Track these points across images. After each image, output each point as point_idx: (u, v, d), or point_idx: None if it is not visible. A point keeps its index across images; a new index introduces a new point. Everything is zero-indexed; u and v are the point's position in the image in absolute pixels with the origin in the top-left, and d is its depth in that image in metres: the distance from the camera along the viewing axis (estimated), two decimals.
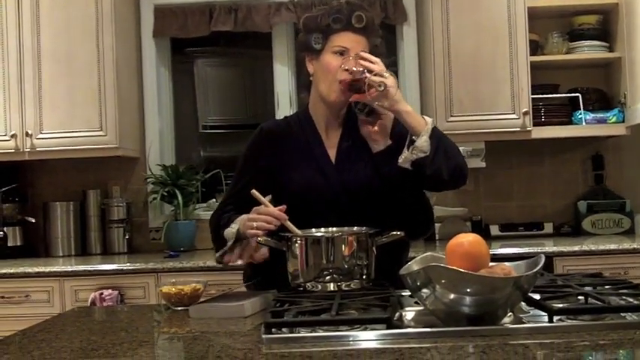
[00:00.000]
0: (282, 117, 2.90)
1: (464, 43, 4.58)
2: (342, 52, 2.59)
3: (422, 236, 2.76)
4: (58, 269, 4.31)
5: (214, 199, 5.34)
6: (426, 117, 2.52)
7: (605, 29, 4.85)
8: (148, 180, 5.03)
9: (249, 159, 2.71)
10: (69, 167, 5.09)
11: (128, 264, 4.36)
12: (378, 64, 2.49)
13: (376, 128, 2.56)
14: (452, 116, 4.56)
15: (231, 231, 2.52)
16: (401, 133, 2.53)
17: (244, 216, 2.47)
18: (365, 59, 2.50)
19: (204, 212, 5.14)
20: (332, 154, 2.65)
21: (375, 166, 2.57)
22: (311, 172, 2.60)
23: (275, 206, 2.40)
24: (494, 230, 4.88)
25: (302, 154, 2.61)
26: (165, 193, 4.91)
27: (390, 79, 2.45)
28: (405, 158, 2.48)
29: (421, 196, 2.66)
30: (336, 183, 2.59)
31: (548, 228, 4.89)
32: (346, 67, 2.53)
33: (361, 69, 2.49)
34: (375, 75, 2.45)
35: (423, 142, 2.45)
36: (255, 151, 2.70)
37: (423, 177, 2.49)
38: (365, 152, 2.60)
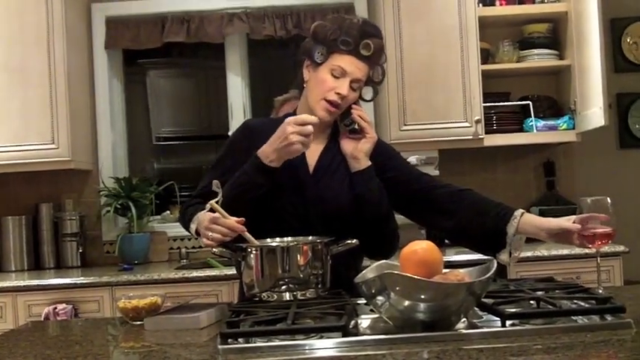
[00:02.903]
0: (266, 117, 2.86)
1: (416, 52, 4.61)
2: (340, 75, 2.55)
3: (386, 257, 2.74)
4: (11, 284, 4.26)
5: (168, 212, 5.32)
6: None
7: (555, 37, 4.92)
8: (101, 193, 4.99)
9: (229, 151, 2.66)
10: (21, 181, 5.03)
11: (82, 278, 4.32)
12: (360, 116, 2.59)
13: (359, 147, 2.58)
14: (405, 125, 4.59)
15: (191, 231, 2.54)
16: (379, 160, 2.60)
17: (201, 217, 2.45)
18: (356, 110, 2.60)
19: (159, 224, 5.12)
20: (311, 164, 2.62)
21: (351, 185, 2.57)
22: (287, 178, 2.55)
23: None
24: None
25: (282, 165, 2.58)
26: (119, 206, 4.88)
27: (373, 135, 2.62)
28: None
29: (391, 219, 2.66)
30: (310, 194, 2.57)
31: None
32: (339, 92, 2.53)
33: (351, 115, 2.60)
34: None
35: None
36: (236, 145, 2.65)
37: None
38: (343, 169, 2.60)
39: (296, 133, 2.38)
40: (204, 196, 2.54)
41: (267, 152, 2.45)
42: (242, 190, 2.47)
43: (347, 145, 2.60)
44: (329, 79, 2.55)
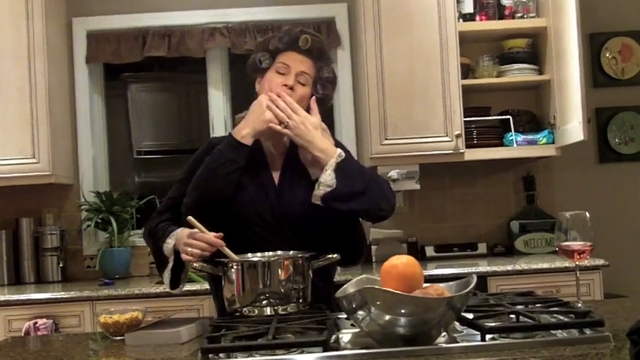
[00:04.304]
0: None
1: (397, 67, 4.63)
2: (285, 71, 2.64)
3: (353, 264, 2.77)
4: None
5: None
6: (338, 150, 2.55)
7: (535, 52, 4.95)
8: (82, 207, 4.98)
9: (193, 167, 2.67)
10: (1, 195, 4.99)
11: (62, 292, 4.29)
12: (286, 103, 2.56)
13: (312, 156, 2.57)
14: (386, 139, 4.60)
15: (167, 247, 2.54)
16: None
17: (180, 233, 2.48)
18: (280, 97, 2.57)
19: (140, 239, 5.10)
20: (276, 176, 2.66)
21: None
22: (254, 192, 2.60)
23: (212, 227, 2.41)
24: (430, 251, 4.91)
25: (247, 174, 2.60)
26: (100, 220, 4.86)
27: (295, 119, 2.53)
28: (314, 194, 2.50)
29: (355, 225, 2.67)
30: (277, 206, 2.60)
31: (482, 248, 4.95)
32: (285, 83, 2.60)
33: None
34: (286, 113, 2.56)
35: (326, 176, 2.49)
36: (200, 162, 2.65)
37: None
38: (306, 178, 2.61)
39: (271, 103, 2.54)
40: (171, 210, 2.65)
41: (240, 128, 2.57)
42: (215, 167, 2.54)
43: (304, 155, 2.61)
44: (275, 78, 2.64)
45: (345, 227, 2.62)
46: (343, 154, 2.55)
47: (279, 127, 2.55)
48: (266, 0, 5.19)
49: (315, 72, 2.69)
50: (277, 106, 2.56)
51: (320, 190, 2.48)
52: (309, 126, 2.54)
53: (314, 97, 2.66)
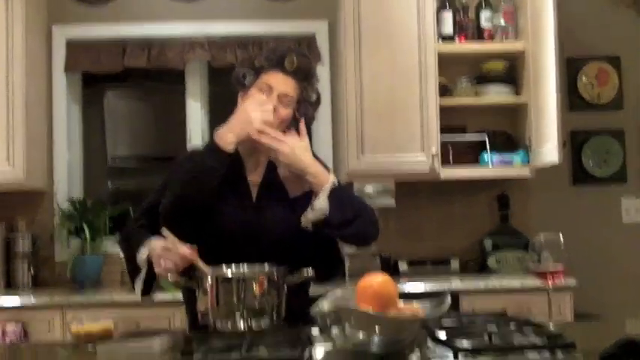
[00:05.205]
0: None
1: (376, 84, 4.65)
2: (267, 92, 2.59)
3: (329, 281, 2.76)
4: None
5: None
6: (331, 176, 2.55)
7: (512, 75, 4.99)
8: (56, 214, 4.95)
9: (172, 177, 2.64)
10: None
11: (32, 299, 4.27)
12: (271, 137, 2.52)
13: (290, 174, 2.57)
14: (363, 155, 4.61)
15: (142, 257, 2.52)
16: None
17: (154, 243, 2.47)
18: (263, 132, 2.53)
19: (112, 246, 5.08)
20: (254, 191, 2.65)
21: (293, 210, 2.56)
22: (231, 205, 2.58)
23: (187, 239, 2.40)
24: (403, 266, 4.91)
25: (225, 186, 2.57)
26: (73, 228, 4.83)
27: (284, 146, 2.50)
28: (305, 218, 2.50)
29: (334, 245, 2.66)
30: (255, 221, 2.59)
31: (455, 264, 4.94)
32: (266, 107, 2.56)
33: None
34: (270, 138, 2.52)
35: (320, 202, 2.48)
36: (178, 171, 2.62)
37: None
38: (285, 194, 2.61)
39: (256, 110, 2.51)
40: (146, 216, 2.63)
41: (223, 133, 2.52)
42: (196, 172, 2.51)
43: (282, 172, 2.61)
44: (256, 96, 2.60)
45: (325, 247, 2.62)
46: (336, 180, 2.55)
47: (268, 138, 2.52)
48: (247, 14, 5.20)
49: (299, 92, 2.64)
50: (267, 135, 2.52)
51: (312, 215, 2.48)
52: (298, 152, 2.51)
53: (302, 120, 2.63)
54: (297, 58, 2.63)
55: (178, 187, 2.53)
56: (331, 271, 2.69)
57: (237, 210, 2.59)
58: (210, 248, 2.47)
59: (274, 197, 2.63)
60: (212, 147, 2.53)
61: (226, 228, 2.56)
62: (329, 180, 2.52)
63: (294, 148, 2.51)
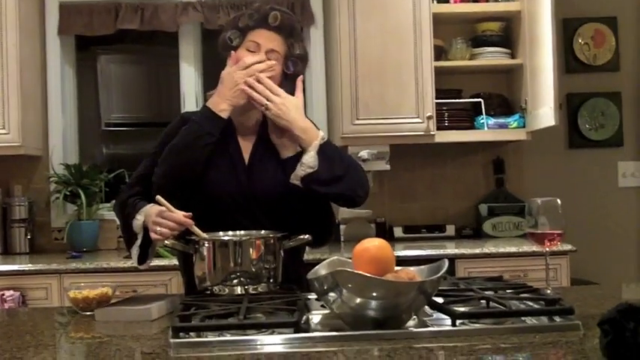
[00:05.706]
0: None
1: (370, 47, 4.62)
2: (255, 49, 2.61)
3: (322, 245, 2.76)
4: None
5: None
6: (320, 132, 2.56)
7: (508, 36, 4.97)
8: (51, 179, 4.94)
9: (166, 143, 2.64)
10: None
11: (30, 265, 4.27)
12: (265, 85, 2.53)
13: (280, 133, 2.58)
14: (357, 119, 4.60)
15: (137, 224, 2.52)
16: None
17: (149, 210, 2.47)
18: (256, 78, 2.54)
19: (108, 212, 5.07)
20: (246, 155, 2.65)
21: (284, 172, 2.57)
22: (223, 170, 2.60)
23: (181, 206, 2.40)
24: (398, 232, 4.92)
25: (217, 151, 2.59)
26: (69, 193, 4.82)
27: (275, 102, 2.51)
28: (294, 174, 2.51)
29: (325, 207, 2.66)
30: (246, 185, 2.60)
31: (450, 230, 4.96)
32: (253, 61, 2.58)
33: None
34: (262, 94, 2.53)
35: (309, 157, 2.50)
36: (172, 135, 2.63)
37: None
38: (276, 157, 2.61)
39: (244, 75, 2.53)
40: (141, 183, 2.64)
41: (217, 102, 2.56)
42: (191, 139, 2.54)
43: (274, 133, 2.61)
44: (245, 56, 2.61)
45: (316, 208, 2.62)
46: (326, 136, 2.55)
47: (260, 103, 2.53)
48: None
49: (286, 49, 2.66)
50: (255, 89, 2.53)
51: (301, 171, 2.49)
52: (289, 106, 2.52)
53: (300, 77, 2.65)
54: (280, 14, 2.64)
55: (173, 151, 2.54)
56: (324, 236, 2.69)
57: (229, 172, 2.60)
58: (203, 213, 2.48)
59: (267, 159, 2.63)
60: (207, 114, 2.56)
61: (218, 190, 2.58)
62: (318, 136, 2.53)
63: (284, 102, 2.53)
